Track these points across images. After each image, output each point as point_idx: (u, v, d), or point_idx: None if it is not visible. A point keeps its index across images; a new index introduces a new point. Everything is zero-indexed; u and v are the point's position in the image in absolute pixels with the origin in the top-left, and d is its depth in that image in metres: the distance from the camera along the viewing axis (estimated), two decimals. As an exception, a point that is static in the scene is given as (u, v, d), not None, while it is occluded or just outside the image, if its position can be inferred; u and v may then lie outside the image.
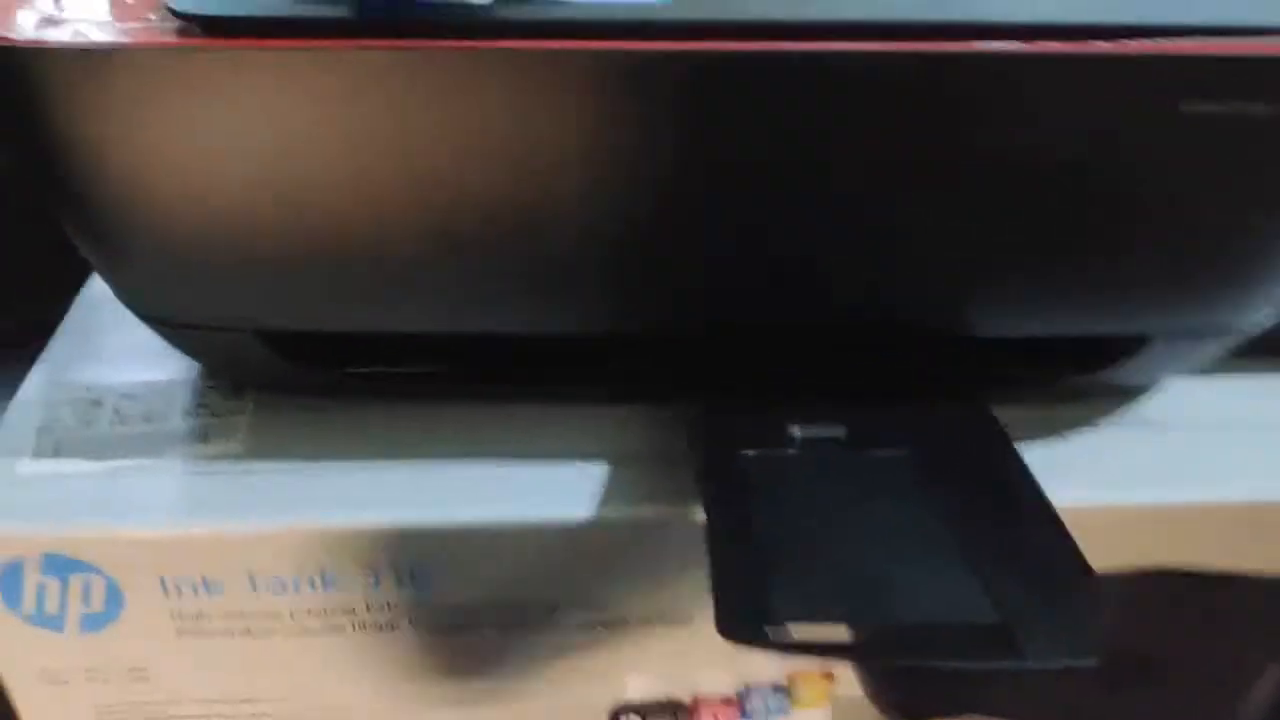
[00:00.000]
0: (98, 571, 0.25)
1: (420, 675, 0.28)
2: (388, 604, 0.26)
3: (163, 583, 0.26)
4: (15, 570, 0.25)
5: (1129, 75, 0.21)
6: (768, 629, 0.19)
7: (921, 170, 0.22)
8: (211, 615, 0.26)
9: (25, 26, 0.21)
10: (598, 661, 0.28)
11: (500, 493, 0.26)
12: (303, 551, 0.25)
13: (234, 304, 0.25)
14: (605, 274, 0.24)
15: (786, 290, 0.24)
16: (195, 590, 0.26)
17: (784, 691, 0.29)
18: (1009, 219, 0.23)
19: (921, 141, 0.22)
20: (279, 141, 0.21)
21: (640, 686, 0.28)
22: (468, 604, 0.26)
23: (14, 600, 0.26)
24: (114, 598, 0.26)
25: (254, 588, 0.26)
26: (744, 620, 0.19)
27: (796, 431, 0.25)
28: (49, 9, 0.21)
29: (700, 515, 0.24)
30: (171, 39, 0.20)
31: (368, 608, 0.26)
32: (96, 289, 0.33)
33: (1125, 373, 0.28)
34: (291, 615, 0.26)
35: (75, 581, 0.25)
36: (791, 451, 0.24)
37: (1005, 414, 0.26)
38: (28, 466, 0.27)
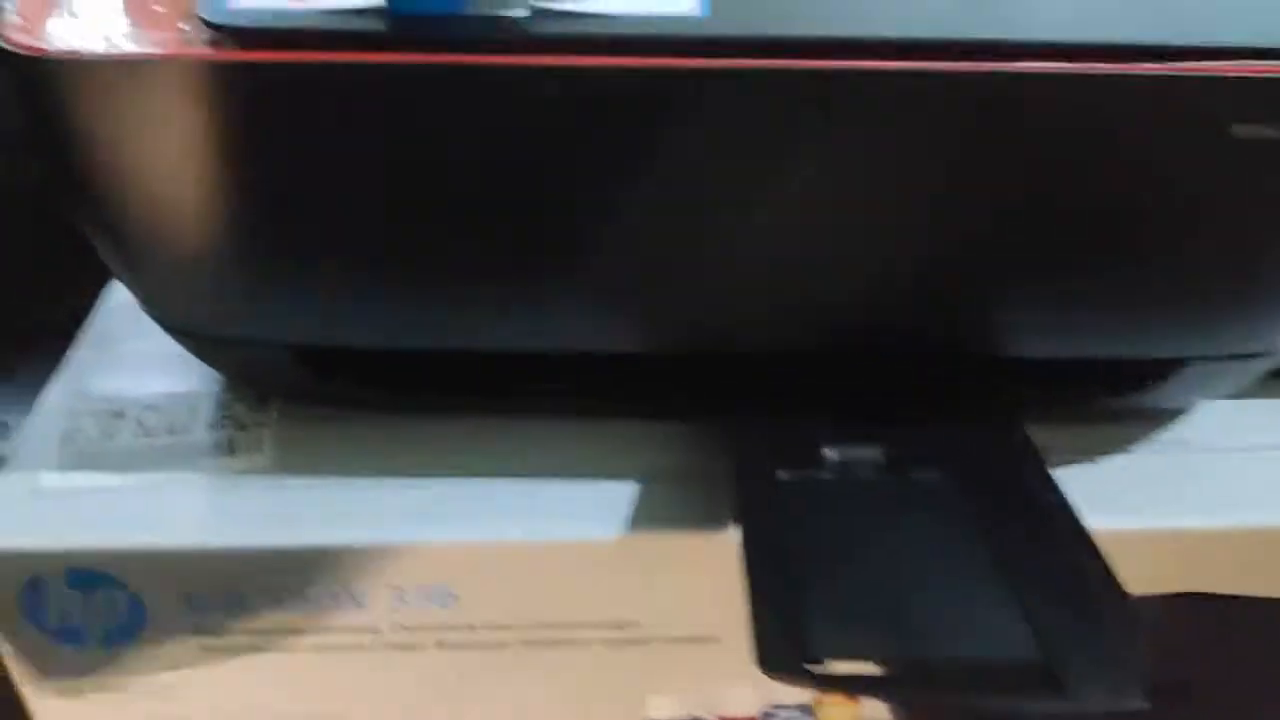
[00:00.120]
0: (121, 586, 0.25)
1: (445, 694, 0.27)
2: (414, 622, 0.26)
3: (188, 599, 0.25)
4: (38, 584, 0.25)
5: (1180, 97, 0.20)
6: (808, 666, 0.19)
7: (965, 191, 0.22)
8: (235, 631, 0.26)
9: (57, 37, 0.21)
10: (622, 680, 0.28)
11: (529, 510, 0.26)
12: (329, 569, 0.25)
13: (269, 319, 0.25)
14: (651, 295, 0.24)
15: (827, 313, 0.24)
16: (219, 606, 0.25)
17: (809, 712, 0.29)
18: (1050, 240, 0.23)
19: (965, 162, 0.21)
20: (315, 155, 0.21)
21: (664, 706, 0.28)
22: (495, 622, 0.26)
23: (37, 614, 0.25)
24: (137, 612, 0.25)
25: (279, 604, 0.25)
26: (784, 656, 0.19)
27: (832, 454, 0.25)
28: (80, 18, 0.21)
29: (730, 534, 0.24)
30: (206, 50, 0.20)
31: (394, 626, 0.26)
32: (113, 297, 0.32)
33: (1160, 396, 0.27)
34: (317, 632, 0.26)
35: (98, 596, 0.25)
36: (827, 475, 0.24)
37: (1039, 435, 0.25)
38: (50, 479, 0.26)
